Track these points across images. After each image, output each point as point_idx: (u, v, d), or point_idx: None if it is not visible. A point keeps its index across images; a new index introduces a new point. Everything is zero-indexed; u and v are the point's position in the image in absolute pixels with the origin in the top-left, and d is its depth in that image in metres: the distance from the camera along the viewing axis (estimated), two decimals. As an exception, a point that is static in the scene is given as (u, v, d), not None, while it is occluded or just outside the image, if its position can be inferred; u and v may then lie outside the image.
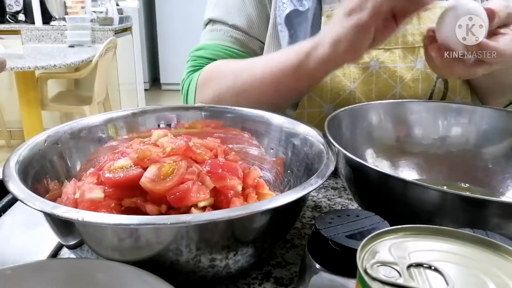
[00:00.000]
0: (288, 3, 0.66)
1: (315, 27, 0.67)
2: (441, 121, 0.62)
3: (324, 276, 0.33)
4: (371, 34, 0.50)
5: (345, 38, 0.51)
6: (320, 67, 0.56)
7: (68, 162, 0.50)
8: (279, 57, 0.61)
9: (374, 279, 0.22)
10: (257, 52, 0.73)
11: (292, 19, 0.67)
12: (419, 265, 0.24)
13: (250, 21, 0.71)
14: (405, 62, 0.67)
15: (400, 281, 0.22)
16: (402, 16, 0.49)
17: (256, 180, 0.49)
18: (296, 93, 0.65)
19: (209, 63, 0.73)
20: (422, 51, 0.67)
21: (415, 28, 0.67)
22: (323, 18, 0.66)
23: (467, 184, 0.58)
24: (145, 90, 4.12)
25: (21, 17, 3.33)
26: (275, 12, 0.68)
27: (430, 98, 0.69)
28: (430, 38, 0.53)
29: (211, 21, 0.75)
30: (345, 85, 0.66)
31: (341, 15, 0.51)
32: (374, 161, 0.60)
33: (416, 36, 0.67)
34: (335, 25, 0.52)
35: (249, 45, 0.72)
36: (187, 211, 0.40)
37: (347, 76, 0.66)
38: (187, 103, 0.74)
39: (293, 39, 0.67)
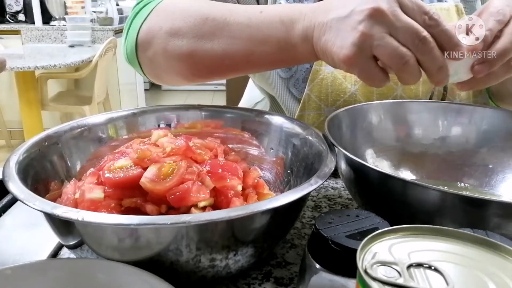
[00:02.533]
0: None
1: None
2: (441, 121, 0.62)
3: (324, 276, 0.33)
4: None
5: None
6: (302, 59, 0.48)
7: (68, 162, 0.50)
8: (262, 26, 0.48)
9: (374, 279, 0.22)
10: None
11: None
12: (419, 265, 0.24)
13: None
14: None
15: (400, 281, 0.22)
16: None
17: (256, 180, 0.49)
18: (269, 68, 0.56)
19: None
20: None
21: None
22: None
23: (467, 184, 0.58)
24: (145, 90, 4.12)
25: (21, 17, 3.33)
26: None
27: (430, 100, 0.69)
28: None
29: None
30: (346, 88, 0.66)
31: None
32: (374, 161, 0.60)
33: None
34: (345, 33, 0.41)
35: None
36: (187, 211, 0.40)
37: (348, 79, 0.66)
38: (129, 26, 0.59)
39: None
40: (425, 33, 0.39)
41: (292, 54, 0.47)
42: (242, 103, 0.94)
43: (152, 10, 0.57)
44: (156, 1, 0.58)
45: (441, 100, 0.69)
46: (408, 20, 0.40)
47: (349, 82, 0.66)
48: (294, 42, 0.46)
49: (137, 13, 0.59)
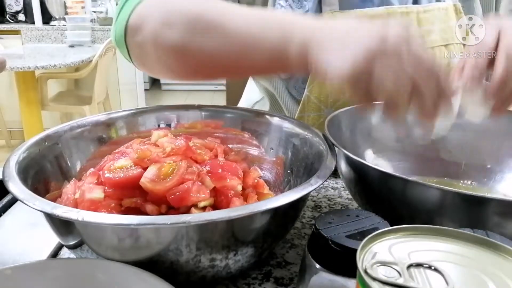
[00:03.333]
0: (286, 7, 0.66)
1: None
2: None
3: (324, 276, 0.33)
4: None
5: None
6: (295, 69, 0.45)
7: (68, 162, 0.50)
8: (262, 29, 0.46)
9: (374, 279, 0.22)
10: None
11: None
12: (419, 265, 0.24)
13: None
14: None
15: (400, 281, 0.22)
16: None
17: (256, 180, 0.49)
18: (259, 74, 0.53)
19: None
20: None
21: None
22: None
23: (467, 184, 0.58)
24: (145, 90, 4.12)
25: (21, 17, 3.33)
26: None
27: None
28: None
29: None
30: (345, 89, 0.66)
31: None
32: (374, 161, 0.60)
33: None
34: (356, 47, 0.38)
35: None
36: (187, 211, 0.40)
37: None
38: (116, 19, 0.55)
39: None
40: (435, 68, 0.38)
41: (283, 65, 0.45)
42: (242, 103, 0.94)
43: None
44: None
45: None
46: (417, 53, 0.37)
47: None
48: (288, 54, 0.44)
49: (122, 7, 0.55)
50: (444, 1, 0.68)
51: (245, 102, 0.93)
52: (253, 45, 0.46)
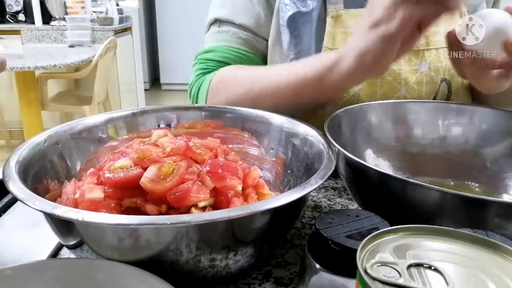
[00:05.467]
0: (291, 5, 0.66)
1: (320, 28, 0.66)
2: (441, 121, 0.62)
3: (324, 276, 0.33)
4: (398, 45, 0.48)
5: (371, 51, 0.48)
6: (343, 81, 0.54)
7: (68, 162, 0.50)
8: (300, 67, 0.59)
9: (374, 279, 0.22)
10: (264, 52, 0.72)
11: (296, 20, 0.66)
12: (419, 265, 0.24)
13: (258, 20, 0.70)
14: (409, 65, 0.66)
15: (400, 281, 0.22)
16: (427, 24, 0.48)
17: (256, 180, 0.49)
18: (314, 105, 0.64)
19: (219, 66, 0.71)
20: (426, 54, 0.67)
21: None
22: (328, 19, 0.66)
23: (475, 184, 0.58)
24: (145, 90, 4.12)
25: (21, 17, 3.33)
26: (278, 13, 0.68)
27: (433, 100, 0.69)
28: (455, 43, 0.52)
29: (217, 21, 0.73)
30: None
31: (365, 27, 0.49)
32: (374, 161, 0.60)
33: (421, 39, 0.66)
34: (359, 38, 0.50)
35: (256, 45, 0.71)
36: (187, 211, 0.40)
37: None
38: (197, 93, 0.72)
39: (296, 40, 0.67)
40: None
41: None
42: None
43: (207, 90, 0.69)
44: (206, 80, 0.71)
45: (445, 101, 0.69)
46: None
47: None
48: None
49: (196, 98, 0.73)
50: None
51: None
52: (299, 86, 0.58)
